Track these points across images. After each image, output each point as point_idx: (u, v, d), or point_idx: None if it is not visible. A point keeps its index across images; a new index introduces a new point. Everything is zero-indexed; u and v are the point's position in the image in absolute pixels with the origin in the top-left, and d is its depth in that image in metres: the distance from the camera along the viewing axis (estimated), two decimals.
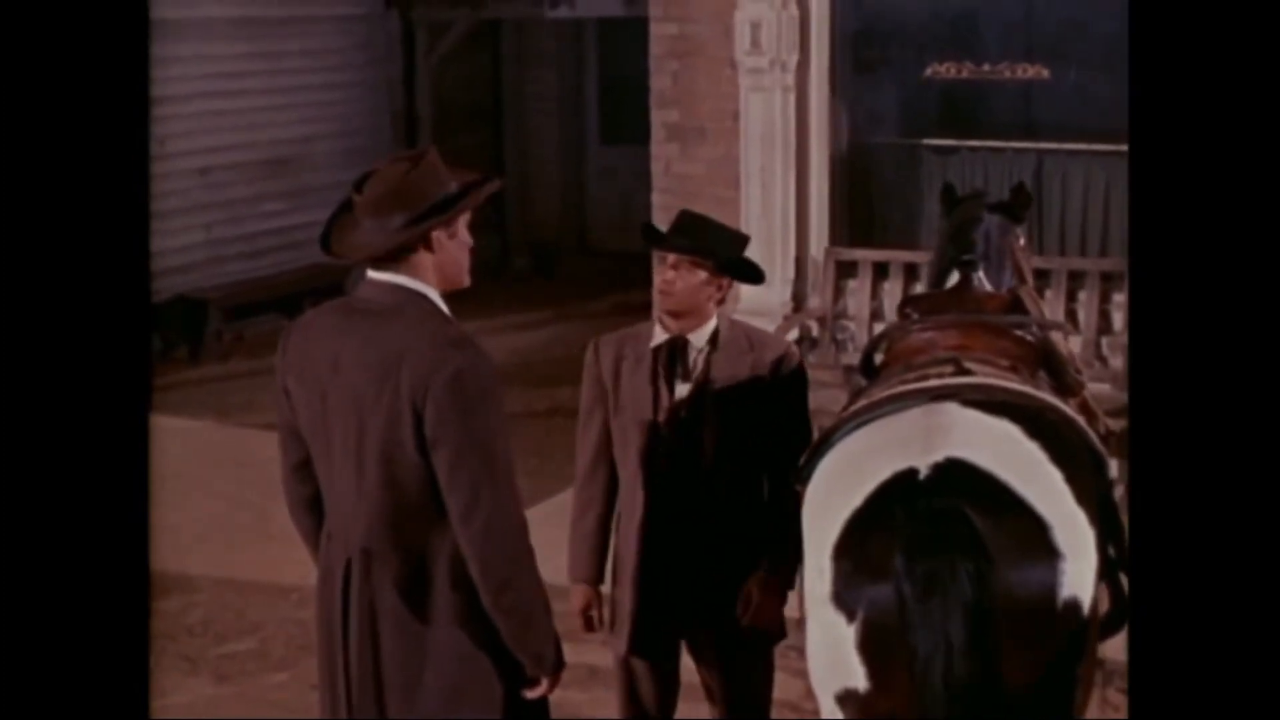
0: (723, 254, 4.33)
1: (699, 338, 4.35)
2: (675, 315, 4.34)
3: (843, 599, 3.53)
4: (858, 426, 3.87)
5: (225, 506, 8.16)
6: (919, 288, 4.93)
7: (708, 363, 4.34)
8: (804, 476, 3.95)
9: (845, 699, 3.57)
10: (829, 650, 3.58)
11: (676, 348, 4.36)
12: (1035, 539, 3.46)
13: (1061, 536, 3.47)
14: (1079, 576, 3.49)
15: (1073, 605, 3.48)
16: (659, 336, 4.37)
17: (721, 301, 4.38)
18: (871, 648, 3.48)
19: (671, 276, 4.30)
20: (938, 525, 3.44)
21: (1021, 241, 4.95)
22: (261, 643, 6.61)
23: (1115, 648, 3.87)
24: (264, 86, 12.29)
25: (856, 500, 3.58)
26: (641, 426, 4.34)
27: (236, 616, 6.87)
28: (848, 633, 3.51)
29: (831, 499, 3.71)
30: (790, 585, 4.26)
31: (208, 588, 7.13)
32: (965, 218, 4.86)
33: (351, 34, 13.20)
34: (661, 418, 4.34)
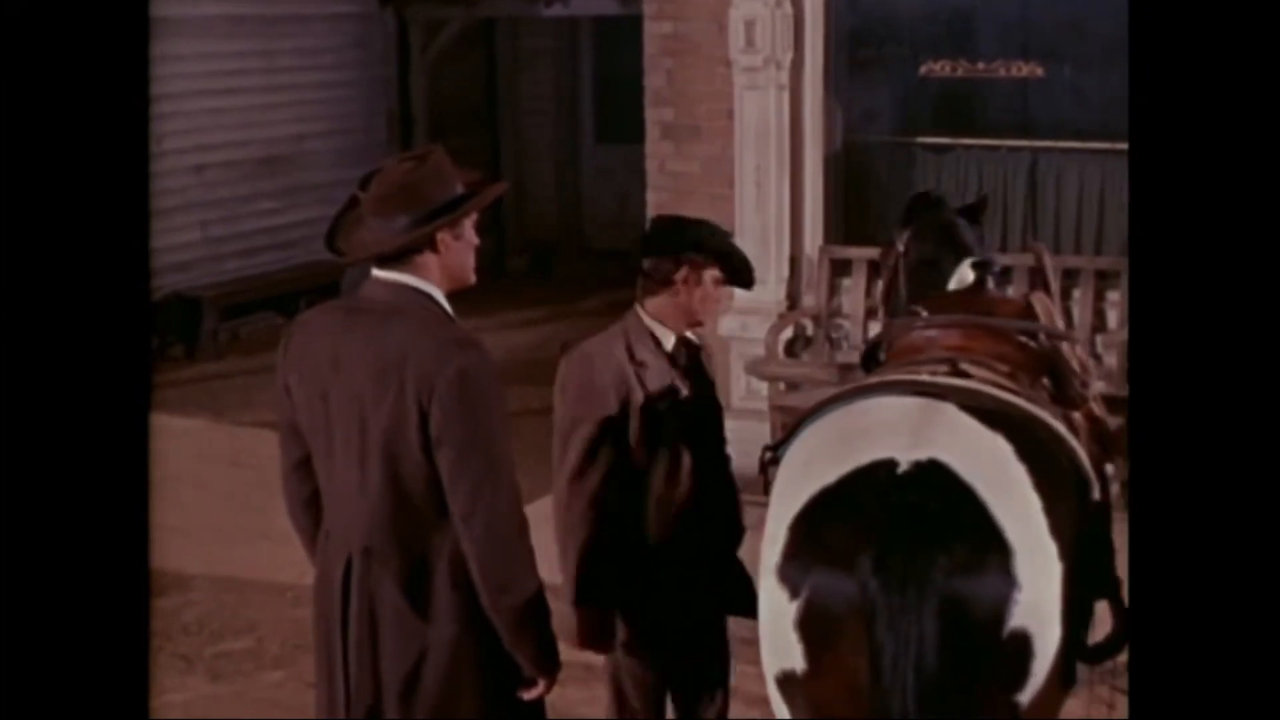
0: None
1: (694, 337, 4.49)
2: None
3: (788, 574, 3.50)
4: (839, 406, 3.85)
5: (221, 505, 8.16)
6: (899, 290, 4.89)
7: (706, 359, 4.52)
8: (779, 456, 3.95)
9: (785, 682, 3.56)
10: (769, 623, 3.56)
11: (689, 348, 4.47)
12: (995, 564, 3.40)
13: (1023, 567, 3.41)
14: (1033, 610, 3.42)
15: (1020, 637, 3.41)
16: (667, 338, 4.41)
17: None
18: (810, 628, 3.45)
19: (718, 293, 4.44)
20: (908, 523, 3.41)
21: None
22: (257, 641, 6.61)
23: None
24: (259, 85, 12.29)
25: (829, 478, 3.54)
26: (678, 427, 4.38)
27: (232, 615, 6.87)
28: (788, 608, 3.47)
29: (804, 471, 3.67)
30: None
31: (204, 586, 7.13)
32: (943, 220, 4.82)
33: (346, 32, 13.19)
34: (692, 415, 4.42)
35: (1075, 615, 3.63)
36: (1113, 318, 8.06)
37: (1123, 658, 3.67)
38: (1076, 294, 8.07)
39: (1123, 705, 4.31)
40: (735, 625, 4.75)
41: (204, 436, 9.40)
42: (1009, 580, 3.40)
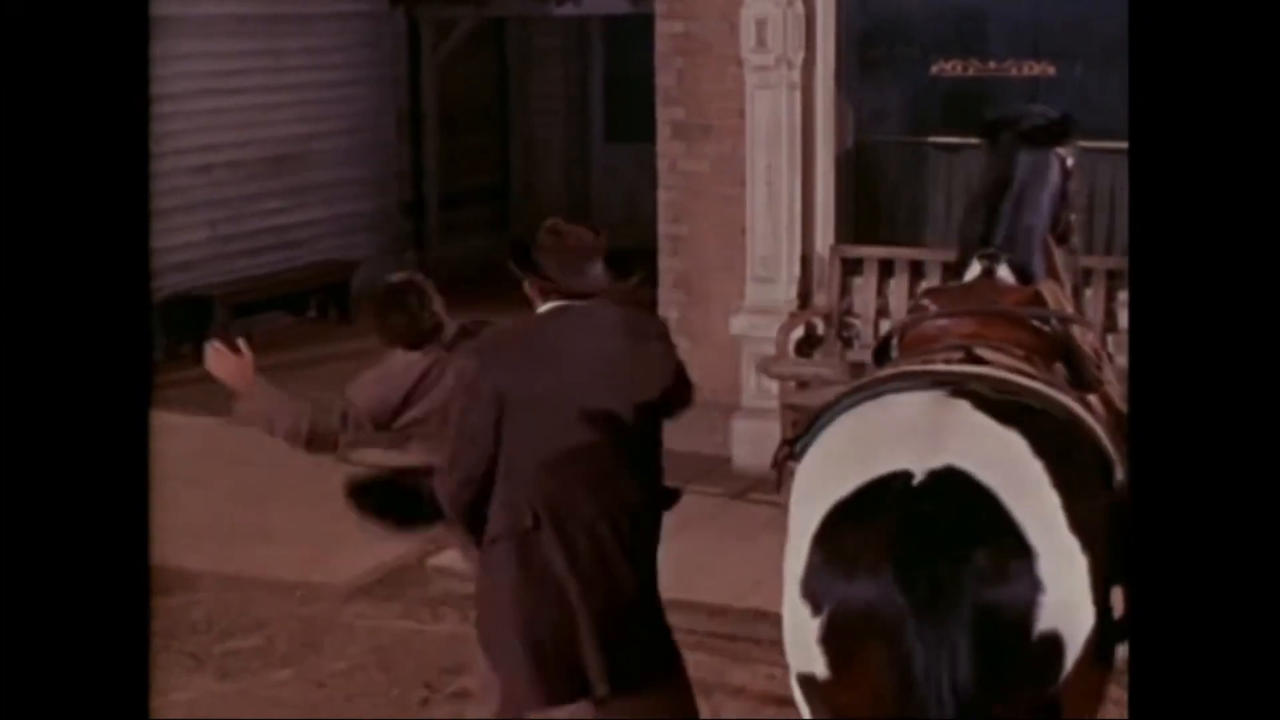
0: None
1: None
2: None
3: (810, 589, 3.48)
4: (858, 402, 3.83)
5: (229, 503, 8.15)
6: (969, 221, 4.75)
7: None
8: (798, 453, 3.93)
9: (805, 682, 3.56)
10: (793, 633, 3.56)
11: None
12: (1020, 569, 3.39)
13: (1047, 568, 3.40)
14: (1060, 608, 3.42)
15: (1050, 638, 3.41)
16: None
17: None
18: (834, 643, 3.44)
19: None
20: (928, 534, 3.39)
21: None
22: (265, 640, 6.60)
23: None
24: (267, 84, 12.28)
25: (845, 490, 3.52)
26: None
27: (240, 613, 6.86)
28: (811, 624, 3.46)
29: (821, 479, 3.65)
30: None
31: (211, 585, 7.13)
32: (1000, 176, 4.70)
33: (356, 31, 13.18)
34: None
35: (1105, 600, 3.59)
36: (1124, 317, 8.03)
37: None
38: (1088, 294, 8.04)
39: None
40: (749, 626, 4.73)
41: (212, 435, 9.38)
42: (1034, 584, 3.39)
